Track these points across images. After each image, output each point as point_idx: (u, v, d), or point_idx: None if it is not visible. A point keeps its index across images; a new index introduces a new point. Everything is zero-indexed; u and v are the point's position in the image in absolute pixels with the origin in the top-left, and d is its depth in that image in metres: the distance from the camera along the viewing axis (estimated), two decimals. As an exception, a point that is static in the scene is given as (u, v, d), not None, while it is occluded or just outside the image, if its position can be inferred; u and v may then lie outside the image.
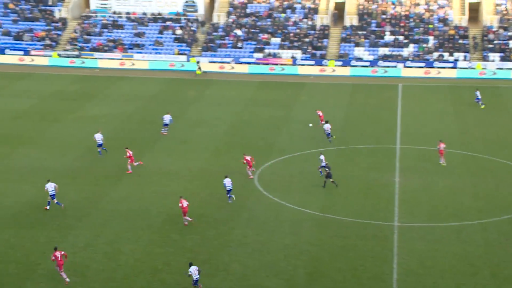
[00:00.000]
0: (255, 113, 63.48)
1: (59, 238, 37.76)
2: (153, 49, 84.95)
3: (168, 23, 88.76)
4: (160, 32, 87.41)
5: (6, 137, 54.96)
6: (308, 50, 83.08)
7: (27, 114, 61.80)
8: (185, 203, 39.69)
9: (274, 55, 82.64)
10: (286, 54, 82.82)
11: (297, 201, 43.51)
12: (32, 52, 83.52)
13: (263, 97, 69.99)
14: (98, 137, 50.86)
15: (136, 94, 70.26)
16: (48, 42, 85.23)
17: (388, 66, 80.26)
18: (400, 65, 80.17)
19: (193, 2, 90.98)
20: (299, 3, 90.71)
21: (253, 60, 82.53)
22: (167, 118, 56.46)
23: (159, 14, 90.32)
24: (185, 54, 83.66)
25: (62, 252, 33.63)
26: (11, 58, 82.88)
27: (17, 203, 42.33)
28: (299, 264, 35.73)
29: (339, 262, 35.93)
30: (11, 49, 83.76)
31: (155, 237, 38.41)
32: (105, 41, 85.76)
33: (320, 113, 58.62)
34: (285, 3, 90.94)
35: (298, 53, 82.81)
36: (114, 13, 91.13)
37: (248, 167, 46.98)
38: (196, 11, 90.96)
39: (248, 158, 46.92)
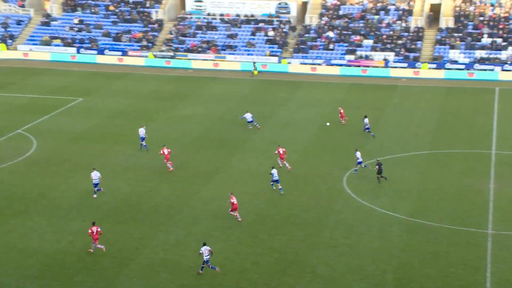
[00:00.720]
0: (346, 115, 63.07)
1: (151, 235, 38.80)
2: (245, 50, 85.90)
3: (260, 24, 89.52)
4: (253, 34, 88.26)
5: (103, 135, 56.88)
6: (401, 53, 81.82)
7: (124, 113, 63.74)
8: (235, 200, 40.44)
9: (366, 57, 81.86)
10: (378, 56, 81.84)
11: (386, 205, 42.97)
12: (130, 53, 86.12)
13: (354, 99, 69.45)
14: (142, 131, 52.64)
15: (228, 95, 71.23)
16: (144, 43, 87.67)
17: (485, 70, 77.97)
18: (498, 69, 77.69)
19: (286, 4, 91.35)
20: (393, 4, 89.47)
21: (344, 62, 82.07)
22: (248, 115, 58.45)
23: (252, 16, 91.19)
24: (276, 56, 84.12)
25: (98, 229, 36.39)
26: (110, 58, 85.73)
27: (112, 199, 43.73)
28: (387, 269, 35.29)
29: (429, 269, 35.24)
30: (110, 50, 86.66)
31: (244, 236, 38.86)
32: (199, 42, 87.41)
33: (342, 110, 60.09)
34: (379, 4, 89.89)
35: (390, 56, 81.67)
36: (209, 14, 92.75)
37: (279, 158, 48.66)
38: (288, 12, 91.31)
39: (281, 150, 48.70)
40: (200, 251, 34.62)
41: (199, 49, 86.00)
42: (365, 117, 57.09)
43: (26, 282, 33.39)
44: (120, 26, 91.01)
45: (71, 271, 34.71)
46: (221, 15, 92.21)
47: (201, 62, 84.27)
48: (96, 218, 40.58)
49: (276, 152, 49.08)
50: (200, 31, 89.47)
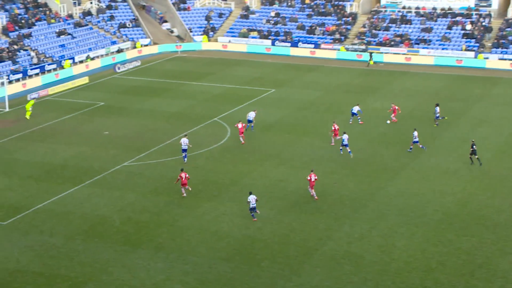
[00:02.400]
0: (547, 115, 59.35)
1: (336, 227, 39.19)
2: (439, 44, 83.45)
3: (458, 18, 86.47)
4: (449, 28, 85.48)
5: (292, 125, 58.12)
6: None
7: (313, 105, 64.68)
8: (313, 178, 42.49)
9: None
10: None
11: None
12: (322, 46, 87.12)
13: (558, 98, 65.04)
14: (251, 115, 56.10)
15: (419, 90, 69.72)
16: (337, 36, 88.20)
17: None
18: None
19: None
20: None
21: (549, 57, 77.10)
22: (355, 109, 58.11)
23: (449, 9, 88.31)
24: (473, 51, 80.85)
25: (187, 175, 42.52)
26: (303, 50, 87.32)
27: (299, 189, 44.64)
28: None
29: None
30: (303, 42, 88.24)
31: (430, 235, 38.03)
32: (391, 36, 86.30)
33: (395, 107, 58.29)
34: None
35: None
36: (404, 8, 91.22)
37: (334, 135, 51.81)
38: (489, 5, 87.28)
39: (336, 126, 51.86)
40: (248, 200, 39.36)
41: (392, 43, 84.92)
42: (437, 105, 57.40)
43: (217, 264, 35.17)
44: (314, 19, 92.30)
45: (258, 256, 36.02)
46: (417, 8, 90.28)
47: (393, 56, 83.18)
48: (283, 207, 41.80)
49: (332, 129, 52.02)
50: (394, 25, 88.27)
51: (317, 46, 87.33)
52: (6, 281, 33.39)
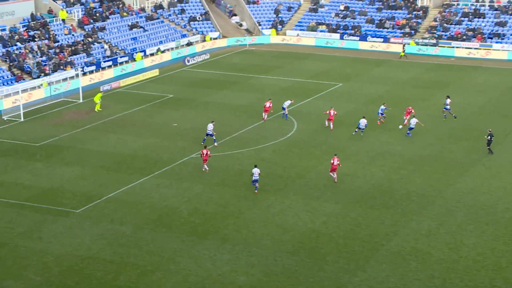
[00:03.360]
0: None
1: (402, 222, 38.84)
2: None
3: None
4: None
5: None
6: None
7: (382, 99, 63.60)
8: (336, 162, 43.89)
9: None
10: None
11: None
12: (391, 40, 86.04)
13: None
14: (286, 103, 58.17)
15: (491, 85, 68.15)
16: (407, 30, 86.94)
17: None
18: None
19: None
20: None
21: None
22: (381, 108, 57.28)
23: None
24: (549, 45, 78.48)
25: (208, 152, 45.82)
26: (372, 44, 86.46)
27: (365, 184, 44.44)
28: None
29: None
30: (372, 36, 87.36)
31: (500, 233, 37.25)
32: (463, 30, 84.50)
33: (411, 109, 55.71)
34: None
35: None
36: (477, 1, 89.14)
37: (328, 119, 54.33)
38: None
39: (332, 112, 54.14)
40: (252, 172, 42.27)
41: (464, 37, 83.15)
42: (448, 97, 57.41)
43: (282, 256, 35.37)
44: (384, 12, 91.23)
45: (323, 250, 36.06)
46: (491, 1, 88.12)
47: (465, 50, 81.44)
48: (349, 202, 41.68)
49: (327, 112, 54.44)
50: (466, 18, 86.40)
51: (386, 40, 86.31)
52: (79, 267, 34.51)
